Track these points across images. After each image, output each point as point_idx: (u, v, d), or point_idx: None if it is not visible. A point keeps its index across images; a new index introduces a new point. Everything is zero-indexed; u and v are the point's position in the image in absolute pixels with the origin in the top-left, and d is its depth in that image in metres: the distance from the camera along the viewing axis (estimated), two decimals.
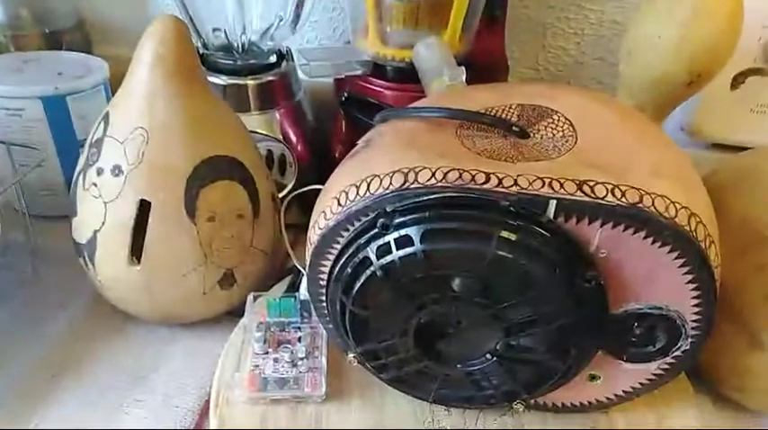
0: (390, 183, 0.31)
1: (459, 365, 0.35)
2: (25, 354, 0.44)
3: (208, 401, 0.41)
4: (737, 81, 0.51)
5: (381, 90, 0.53)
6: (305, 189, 0.50)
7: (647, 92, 0.48)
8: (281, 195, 0.55)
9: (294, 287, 0.49)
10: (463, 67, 0.43)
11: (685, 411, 0.40)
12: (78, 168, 0.44)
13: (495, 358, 0.34)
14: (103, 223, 0.42)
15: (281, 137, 0.56)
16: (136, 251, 0.42)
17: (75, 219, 0.44)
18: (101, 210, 0.41)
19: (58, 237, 0.50)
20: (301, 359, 0.41)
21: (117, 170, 0.40)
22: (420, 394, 0.38)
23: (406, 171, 0.31)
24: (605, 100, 0.37)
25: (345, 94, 0.55)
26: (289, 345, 0.42)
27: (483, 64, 0.55)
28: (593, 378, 0.37)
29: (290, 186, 0.56)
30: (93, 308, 0.49)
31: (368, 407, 0.40)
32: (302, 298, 0.44)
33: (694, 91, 0.47)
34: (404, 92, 0.52)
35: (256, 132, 0.54)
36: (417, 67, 0.46)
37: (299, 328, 0.43)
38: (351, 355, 0.38)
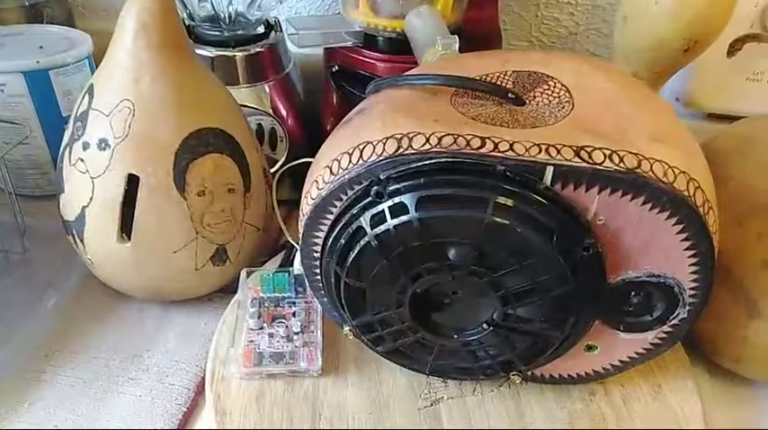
0: (384, 150, 0.30)
1: (455, 336, 0.35)
2: (17, 335, 0.44)
3: (203, 378, 0.41)
4: (734, 48, 0.50)
5: (373, 61, 0.52)
6: (296, 162, 0.49)
7: (643, 59, 0.47)
8: (272, 170, 0.54)
9: (287, 263, 0.49)
10: (456, 36, 0.42)
11: (683, 382, 0.40)
12: (64, 143, 0.43)
13: (491, 328, 0.34)
14: (91, 199, 0.41)
15: (270, 110, 0.55)
16: (125, 227, 0.41)
17: (62, 195, 0.43)
18: (88, 186, 0.41)
19: (47, 217, 0.50)
20: (296, 334, 0.40)
21: (103, 144, 0.39)
22: (416, 366, 0.38)
23: (399, 137, 0.30)
24: (602, 66, 0.36)
25: (336, 66, 0.54)
26: (283, 320, 0.41)
27: (476, 34, 0.54)
28: (590, 348, 0.36)
29: (281, 161, 0.56)
30: (85, 286, 0.48)
31: (364, 381, 0.39)
32: (296, 272, 0.43)
33: (691, 58, 0.46)
34: (396, 63, 0.51)
35: (246, 106, 0.53)
36: (409, 36, 0.45)
37: (294, 303, 0.43)
38: (346, 329, 0.38)
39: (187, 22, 0.54)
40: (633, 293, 0.33)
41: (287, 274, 0.43)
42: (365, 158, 0.31)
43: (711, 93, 0.58)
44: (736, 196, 0.40)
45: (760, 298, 0.38)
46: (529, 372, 0.38)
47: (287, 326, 0.41)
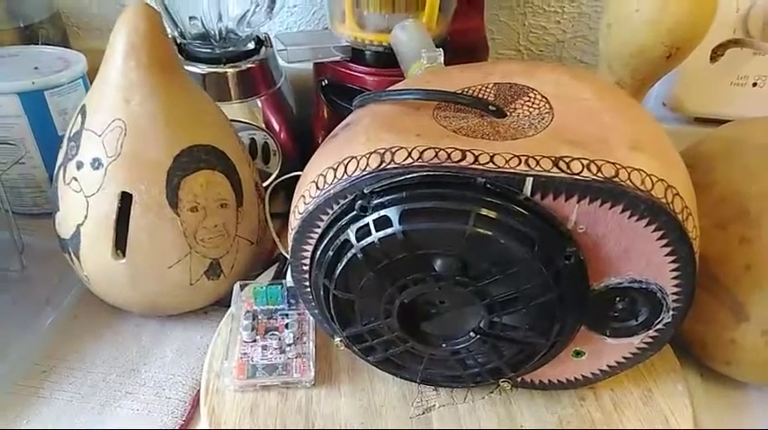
0: (367, 165, 0.31)
1: (444, 344, 0.36)
2: (14, 351, 0.44)
3: (199, 391, 0.41)
4: (717, 53, 0.51)
5: (361, 75, 0.53)
6: (288, 176, 0.50)
7: (627, 66, 0.48)
8: (265, 184, 0.55)
9: (281, 275, 0.49)
10: (441, 49, 0.43)
11: (673, 386, 0.41)
12: (58, 163, 0.43)
13: (478, 336, 0.34)
14: (86, 217, 0.41)
15: (263, 125, 0.55)
16: (120, 244, 0.42)
17: (57, 214, 0.44)
18: (83, 205, 0.41)
19: (44, 234, 0.50)
20: (289, 345, 0.41)
21: (97, 163, 0.40)
22: (408, 375, 0.39)
23: (382, 152, 0.31)
24: (583, 76, 0.36)
25: (325, 80, 0.55)
26: (276, 332, 0.42)
27: (462, 45, 0.55)
28: (577, 354, 0.37)
29: (274, 174, 0.56)
30: (82, 302, 0.49)
31: (357, 390, 0.40)
32: (289, 285, 0.44)
33: (674, 64, 0.47)
34: (384, 76, 0.52)
35: (238, 121, 0.54)
36: (396, 50, 0.46)
37: (287, 315, 0.43)
38: (337, 339, 0.38)
39: (178, 40, 0.55)
40: (617, 299, 0.34)
41: (280, 287, 0.44)
42: (349, 173, 0.31)
43: (697, 97, 0.59)
44: (721, 200, 0.40)
45: (746, 301, 0.38)
46: (518, 379, 0.39)
47: (280, 338, 0.41)
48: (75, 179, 0.41)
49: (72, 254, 0.44)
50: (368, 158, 0.31)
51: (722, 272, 0.39)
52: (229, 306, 0.45)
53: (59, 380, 0.43)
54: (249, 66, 0.55)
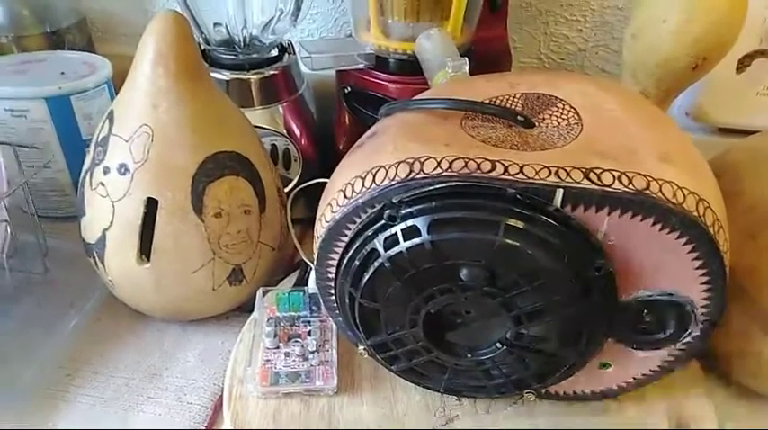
0: (396, 174, 0.31)
1: (469, 355, 0.36)
2: (39, 355, 0.45)
3: (221, 397, 0.41)
4: (743, 64, 0.50)
5: (384, 83, 0.53)
6: (310, 183, 0.50)
7: (652, 76, 0.47)
8: (286, 190, 0.55)
9: (302, 281, 0.49)
10: (466, 58, 0.43)
11: (697, 399, 0.40)
12: (85, 168, 0.44)
13: (504, 347, 0.34)
14: (112, 222, 0.42)
15: (284, 131, 0.56)
16: (145, 249, 0.42)
17: (83, 218, 0.44)
18: (109, 210, 0.42)
19: (68, 238, 0.51)
20: (312, 352, 0.41)
21: (123, 169, 0.41)
22: (431, 384, 0.39)
23: (411, 161, 0.31)
24: (610, 86, 0.36)
25: (348, 88, 0.55)
26: (299, 339, 0.42)
27: (486, 54, 0.54)
28: (603, 366, 0.37)
29: (295, 180, 0.56)
30: (105, 306, 0.49)
31: (379, 399, 0.40)
32: (311, 291, 0.44)
33: (700, 75, 0.46)
34: (407, 84, 0.52)
35: (260, 127, 0.54)
36: (420, 58, 0.46)
37: (309, 322, 0.43)
38: (361, 348, 0.38)
39: (203, 47, 0.56)
40: (646, 312, 0.34)
41: (302, 294, 0.44)
42: (378, 182, 0.31)
43: (721, 107, 0.58)
44: (749, 210, 0.40)
45: None
46: (543, 390, 0.38)
47: (302, 345, 0.41)
48: (102, 184, 0.42)
49: (97, 258, 0.44)
50: (396, 168, 0.31)
51: (750, 283, 0.39)
52: (251, 311, 0.45)
53: (83, 383, 0.43)
54: (272, 72, 0.55)
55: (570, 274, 0.30)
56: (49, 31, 0.62)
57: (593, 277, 0.30)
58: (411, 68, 0.49)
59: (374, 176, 0.32)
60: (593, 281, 0.31)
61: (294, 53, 0.58)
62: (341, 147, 0.58)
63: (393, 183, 0.31)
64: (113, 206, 0.41)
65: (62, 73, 0.54)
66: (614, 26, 0.63)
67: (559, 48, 0.66)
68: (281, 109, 0.56)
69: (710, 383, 0.42)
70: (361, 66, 0.53)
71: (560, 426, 0.39)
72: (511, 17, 0.61)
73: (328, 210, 0.34)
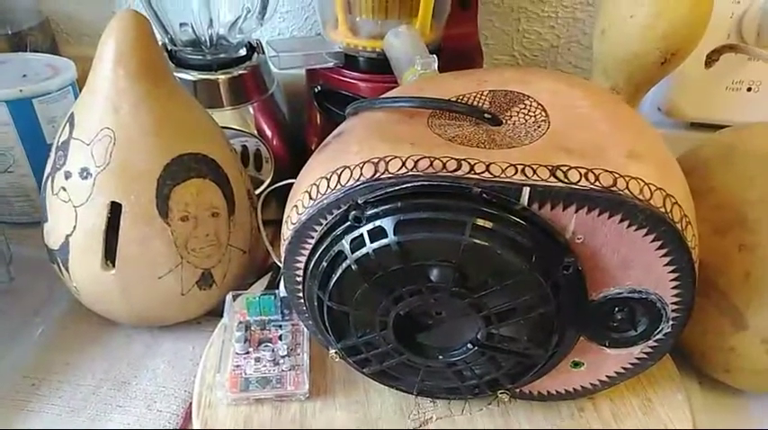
0: (361, 174, 0.30)
1: (440, 356, 0.35)
2: (4, 364, 0.43)
3: (191, 404, 0.40)
4: (711, 59, 0.51)
5: (354, 81, 0.52)
6: (281, 184, 0.49)
7: (622, 72, 0.47)
8: (257, 191, 0.54)
9: (274, 284, 0.49)
10: (435, 56, 0.42)
11: (672, 395, 0.40)
12: (46, 172, 0.43)
13: (476, 348, 0.34)
14: (75, 228, 0.41)
15: (255, 131, 0.55)
16: (110, 255, 0.41)
17: (46, 224, 0.43)
18: (71, 215, 0.40)
19: (33, 244, 0.49)
20: (283, 357, 0.40)
21: (85, 173, 0.39)
22: (404, 387, 0.38)
23: (376, 161, 0.30)
24: (578, 83, 0.36)
25: (318, 87, 0.55)
26: (270, 344, 0.41)
27: (457, 51, 0.54)
28: (576, 364, 0.36)
29: (267, 182, 0.56)
30: (71, 314, 0.48)
31: (352, 403, 0.39)
32: (282, 295, 0.43)
33: (669, 70, 0.47)
34: (377, 83, 0.51)
35: (230, 128, 0.53)
36: (389, 56, 0.46)
37: (281, 326, 0.43)
38: (332, 351, 0.37)
39: (169, 47, 0.55)
40: (616, 309, 0.33)
41: (273, 297, 0.43)
42: (343, 183, 0.31)
43: (693, 102, 0.59)
44: (719, 207, 0.40)
45: (745, 309, 0.38)
46: (517, 390, 0.38)
47: (273, 350, 0.40)
48: (64, 189, 0.40)
49: (61, 265, 0.43)
50: (362, 168, 0.30)
51: (721, 279, 0.39)
52: (222, 315, 0.44)
53: (49, 393, 0.42)
54: (241, 72, 0.54)
55: (539, 273, 0.30)
56: (9, 32, 0.61)
57: (562, 276, 0.30)
58: (381, 66, 0.49)
59: (339, 177, 0.31)
60: (562, 279, 0.30)
61: (263, 52, 0.57)
62: (313, 147, 0.57)
63: (358, 183, 0.30)
64: (76, 211, 0.40)
65: (24, 75, 0.53)
66: (585, 22, 0.64)
67: (532, 44, 0.66)
68: (251, 109, 0.55)
69: (684, 378, 0.42)
70: (330, 64, 0.52)
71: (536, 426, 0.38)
72: (482, 14, 0.60)
73: (294, 212, 0.33)
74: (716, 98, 0.58)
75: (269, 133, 0.56)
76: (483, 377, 0.35)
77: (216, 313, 0.46)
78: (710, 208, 0.39)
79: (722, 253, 0.38)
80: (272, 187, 0.49)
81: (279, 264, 0.48)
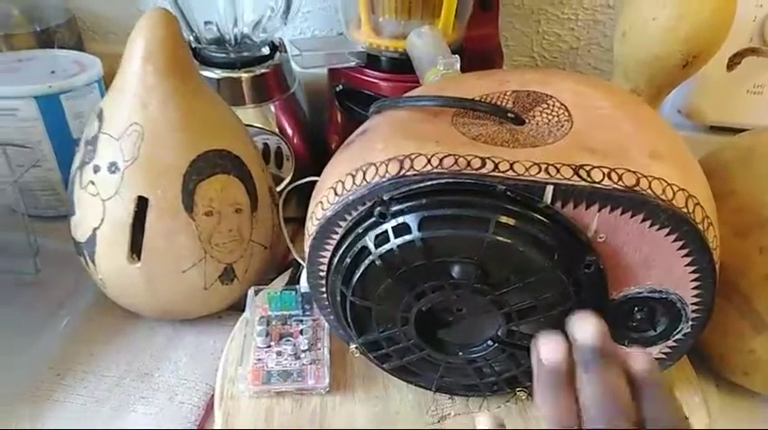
0: (386, 171, 0.31)
1: (460, 353, 0.36)
2: (30, 355, 0.44)
3: (213, 396, 0.41)
4: (733, 62, 0.50)
5: (376, 81, 0.53)
6: (302, 181, 0.50)
7: (643, 74, 0.48)
8: (278, 188, 0.55)
9: (295, 280, 0.49)
10: (457, 56, 0.43)
11: (690, 397, 0.40)
12: (74, 166, 0.43)
13: (496, 344, 0.34)
14: (102, 221, 0.42)
15: (276, 129, 0.55)
16: (135, 248, 0.42)
17: (73, 217, 0.44)
18: (99, 208, 0.41)
19: (59, 237, 0.50)
20: (304, 351, 0.41)
21: (113, 167, 0.40)
22: (423, 383, 0.39)
23: (401, 158, 0.31)
24: (600, 84, 0.36)
25: (340, 86, 0.55)
26: (291, 338, 0.42)
27: (477, 52, 0.54)
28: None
29: (287, 179, 0.56)
30: (96, 306, 0.49)
31: (372, 398, 0.40)
32: (303, 290, 0.44)
33: (690, 73, 0.47)
34: (399, 82, 0.51)
35: (252, 126, 0.54)
36: (411, 56, 0.46)
37: (301, 321, 0.43)
38: (353, 346, 0.38)
39: (193, 45, 0.55)
40: (636, 309, 0.34)
41: (294, 292, 0.44)
42: (368, 180, 0.31)
43: (713, 105, 0.59)
44: (739, 209, 0.40)
45: (765, 311, 0.38)
46: None
47: (294, 344, 0.41)
48: (92, 183, 0.41)
49: (87, 257, 0.44)
50: (387, 165, 0.31)
51: (742, 281, 0.39)
52: (243, 310, 0.45)
53: (74, 383, 0.43)
54: (263, 71, 0.55)
55: (561, 271, 0.30)
56: (38, 29, 0.62)
57: (583, 274, 0.31)
58: (403, 66, 0.49)
59: (365, 174, 0.32)
60: (583, 277, 0.31)
61: (286, 51, 0.57)
62: (333, 146, 0.58)
63: (383, 180, 0.31)
64: (104, 205, 0.41)
65: (52, 72, 0.54)
66: (606, 24, 0.64)
67: (551, 46, 0.66)
68: (272, 107, 0.56)
69: (701, 380, 0.42)
70: (352, 64, 0.53)
71: None
72: (503, 15, 0.61)
73: (319, 208, 0.34)
74: (737, 101, 0.58)
75: (290, 131, 0.57)
76: (502, 374, 0.36)
77: (237, 308, 0.47)
78: (731, 211, 0.40)
79: (743, 255, 0.39)
80: (294, 185, 0.49)
81: (299, 260, 0.49)
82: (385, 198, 0.31)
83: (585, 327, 0.24)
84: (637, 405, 0.23)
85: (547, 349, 0.24)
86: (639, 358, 0.24)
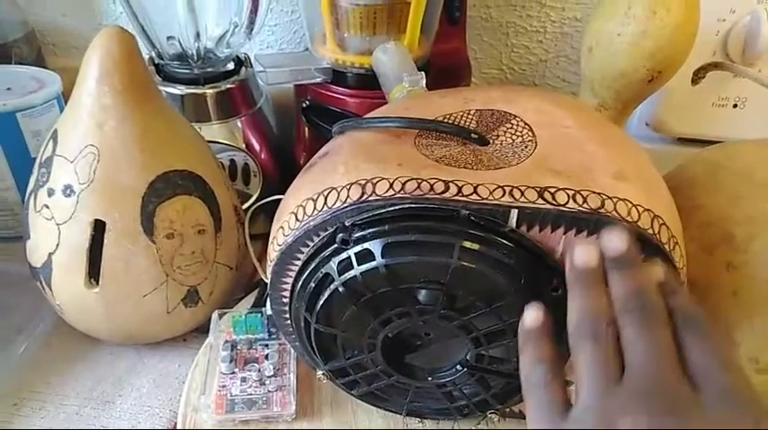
0: (348, 196, 0.30)
1: (429, 378, 0.35)
2: None
3: (176, 424, 0.40)
4: (698, 76, 0.51)
5: (342, 97, 0.52)
6: (269, 199, 0.49)
7: (609, 89, 0.48)
8: (245, 206, 0.54)
9: (261, 301, 0.48)
10: (423, 73, 0.42)
11: None
12: (29, 189, 0.42)
13: (465, 369, 0.33)
14: (58, 245, 0.40)
15: (243, 146, 0.54)
16: (94, 273, 0.40)
17: (28, 242, 0.42)
18: (54, 233, 0.40)
19: (17, 259, 0.48)
20: (269, 377, 0.40)
21: (68, 190, 0.39)
22: (393, 408, 0.38)
23: (363, 183, 0.30)
24: (564, 102, 0.36)
25: (306, 101, 0.54)
26: (256, 364, 0.41)
27: (445, 66, 0.54)
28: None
29: (255, 196, 0.55)
30: (55, 331, 0.47)
31: (340, 424, 0.39)
32: (269, 313, 0.43)
33: (656, 88, 0.47)
34: (365, 98, 0.51)
35: (218, 142, 0.53)
36: (377, 72, 0.45)
37: (267, 345, 0.42)
38: (320, 373, 0.37)
39: (156, 61, 0.54)
40: None
41: (259, 315, 0.43)
42: (330, 205, 0.30)
43: (679, 118, 0.59)
44: (706, 224, 0.40)
45: (732, 327, 0.38)
46: (507, 409, 0.38)
47: (260, 370, 0.40)
48: (47, 206, 0.40)
49: (44, 283, 0.42)
50: (348, 190, 0.30)
51: (709, 297, 0.39)
52: (209, 332, 0.43)
53: (31, 413, 0.41)
54: (229, 86, 0.54)
55: (528, 295, 0.29)
56: None
57: (551, 297, 0.30)
58: (369, 82, 0.48)
59: (326, 198, 0.31)
60: (552, 301, 0.30)
61: (251, 66, 0.56)
62: (301, 162, 0.57)
63: (345, 205, 0.30)
64: (59, 229, 0.40)
65: (8, 88, 0.52)
66: (573, 37, 0.64)
67: (521, 58, 0.66)
68: (239, 123, 0.55)
69: None
70: (318, 80, 0.52)
71: None
72: (471, 28, 0.60)
73: (280, 234, 0.33)
74: (703, 114, 0.58)
75: (257, 147, 0.55)
76: (472, 398, 0.35)
77: (203, 330, 0.45)
78: (698, 226, 0.39)
79: (710, 271, 0.38)
80: (260, 203, 0.48)
81: (266, 280, 0.48)
82: (347, 224, 0.30)
83: (616, 238, 0.26)
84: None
85: (581, 253, 0.27)
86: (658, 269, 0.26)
